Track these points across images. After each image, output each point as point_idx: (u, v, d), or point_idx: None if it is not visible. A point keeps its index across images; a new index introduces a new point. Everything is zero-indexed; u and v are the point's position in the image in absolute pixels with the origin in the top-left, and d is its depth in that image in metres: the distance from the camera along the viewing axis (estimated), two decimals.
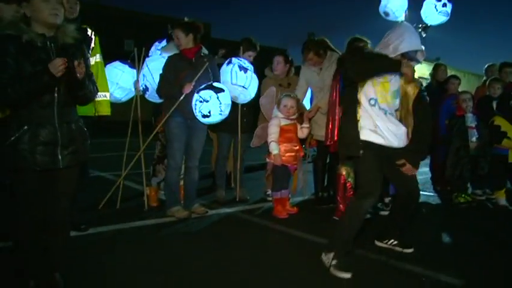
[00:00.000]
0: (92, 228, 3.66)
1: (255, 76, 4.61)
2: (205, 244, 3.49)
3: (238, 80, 4.40)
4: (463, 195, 5.11)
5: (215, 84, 3.98)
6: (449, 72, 6.26)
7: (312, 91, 4.80)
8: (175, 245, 3.44)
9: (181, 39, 4.00)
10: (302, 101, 4.68)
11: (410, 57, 2.93)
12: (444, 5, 5.66)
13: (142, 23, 21.36)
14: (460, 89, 5.78)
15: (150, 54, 4.56)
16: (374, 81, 2.92)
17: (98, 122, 3.89)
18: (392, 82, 2.97)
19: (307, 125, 4.36)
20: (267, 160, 4.33)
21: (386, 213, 4.45)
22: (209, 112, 3.88)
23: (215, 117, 3.94)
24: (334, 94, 4.02)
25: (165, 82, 4.00)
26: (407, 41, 2.86)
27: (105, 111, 3.80)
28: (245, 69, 4.48)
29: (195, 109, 3.90)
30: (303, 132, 4.33)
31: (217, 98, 3.88)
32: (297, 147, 4.33)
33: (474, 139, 5.03)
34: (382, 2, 5.66)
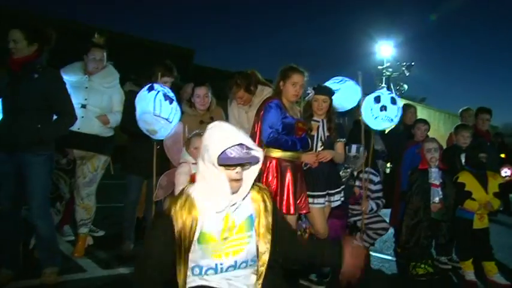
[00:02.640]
0: None
1: (179, 109, 3.86)
2: None
3: (163, 111, 3.64)
4: (422, 266, 4.19)
5: None
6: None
7: None
8: None
9: (20, 43, 3.05)
10: None
11: (233, 160, 1.82)
12: (383, 108, 3.97)
13: None
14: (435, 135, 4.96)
15: None
16: None
17: None
18: None
19: None
20: None
21: None
22: None
23: None
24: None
25: None
26: (212, 148, 1.83)
27: None
28: (170, 100, 3.75)
29: None
30: None
31: None
32: None
33: (437, 199, 4.15)
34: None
